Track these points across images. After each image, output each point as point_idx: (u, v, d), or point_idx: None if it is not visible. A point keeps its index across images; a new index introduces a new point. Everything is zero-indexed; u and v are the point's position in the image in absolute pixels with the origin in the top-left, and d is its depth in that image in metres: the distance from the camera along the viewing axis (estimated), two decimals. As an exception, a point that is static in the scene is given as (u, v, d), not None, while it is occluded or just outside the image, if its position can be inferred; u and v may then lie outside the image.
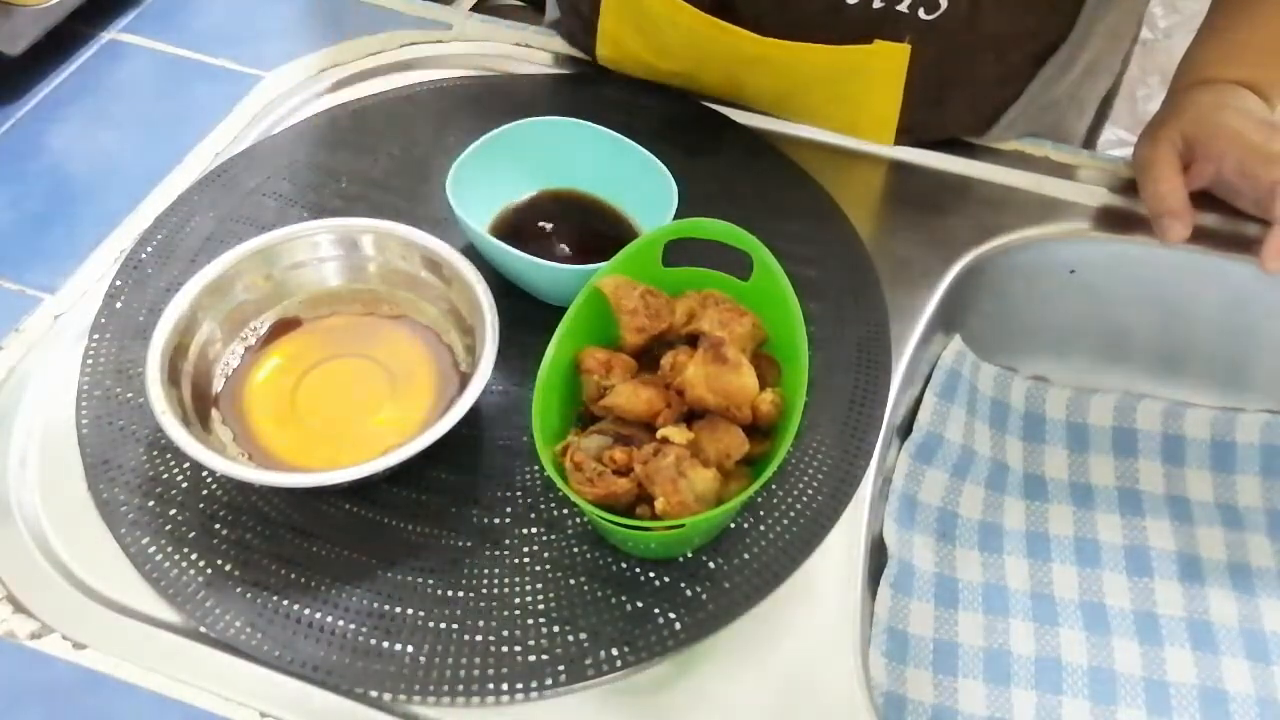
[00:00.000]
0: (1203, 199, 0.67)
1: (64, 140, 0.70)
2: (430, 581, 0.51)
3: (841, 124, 0.71)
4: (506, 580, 0.51)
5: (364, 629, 0.49)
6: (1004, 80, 0.70)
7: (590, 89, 0.75)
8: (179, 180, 0.68)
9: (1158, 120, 0.68)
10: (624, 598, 0.51)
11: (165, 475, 0.54)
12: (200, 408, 0.54)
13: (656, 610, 0.50)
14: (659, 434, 0.49)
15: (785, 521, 0.53)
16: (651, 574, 0.51)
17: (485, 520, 0.53)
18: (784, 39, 0.66)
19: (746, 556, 0.52)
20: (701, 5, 0.66)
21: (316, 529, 0.53)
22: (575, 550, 0.52)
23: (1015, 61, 0.70)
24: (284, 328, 0.58)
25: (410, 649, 0.49)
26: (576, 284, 0.53)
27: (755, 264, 0.53)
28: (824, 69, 0.67)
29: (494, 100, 0.73)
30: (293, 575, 0.51)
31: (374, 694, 0.48)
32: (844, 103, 0.70)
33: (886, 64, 0.66)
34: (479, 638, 0.49)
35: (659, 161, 0.61)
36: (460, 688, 0.48)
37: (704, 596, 0.51)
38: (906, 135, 0.70)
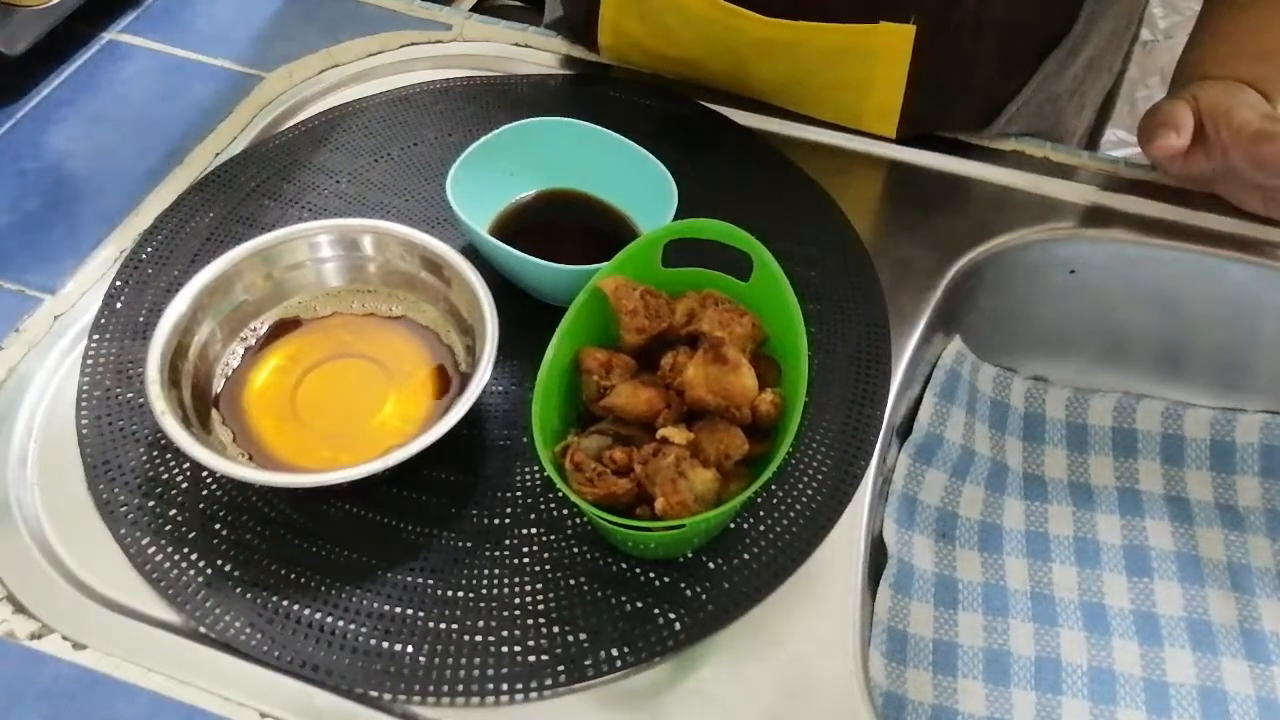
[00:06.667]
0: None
1: (64, 140, 0.70)
2: (430, 581, 0.51)
3: (845, 113, 0.71)
4: (506, 580, 0.51)
5: (364, 629, 0.49)
6: (1006, 72, 0.70)
7: (590, 89, 0.75)
8: (179, 180, 0.68)
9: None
10: (624, 598, 0.51)
11: (165, 475, 0.54)
12: (200, 408, 0.54)
13: (656, 610, 0.50)
14: (659, 434, 0.49)
15: (785, 521, 0.53)
16: (651, 574, 0.51)
17: (485, 520, 0.53)
18: (788, 19, 0.66)
19: (746, 557, 0.52)
20: None
21: (316, 529, 0.53)
22: (575, 550, 0.52)
23: (1018, 53, 0.69)
24: (284, 328, 0.58)
25: (410, 649, 0.49)
26: (576, 284, 0.53)
27: (755, 264, 0.53)
28: (828, 50, 0.67)
29: (494, 100, 0.73)
30: (293, 575, 0.51)
31: (374, 694, 0.48)
32: (848, 89, 0.70)
33: (891, 46, 0.66)
34: (479, 638, 0.49)
35: (659, 161, 0.61)
36: (460, 688, 0.48)
37: (704, 596, 0.51)
38: (909, 127, 0.70)
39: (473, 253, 0.58)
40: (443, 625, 0.50)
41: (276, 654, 0.48)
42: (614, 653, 0.49)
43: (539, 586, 0.51)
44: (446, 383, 0.56)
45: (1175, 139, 0.63)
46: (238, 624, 0.49)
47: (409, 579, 0.51)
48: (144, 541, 0.52)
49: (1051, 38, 0.70)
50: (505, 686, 0.48)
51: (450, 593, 0.51)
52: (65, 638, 0.49)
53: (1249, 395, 0.68)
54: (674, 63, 0.74)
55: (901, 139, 0.71)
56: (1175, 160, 0.64)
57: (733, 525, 0.53)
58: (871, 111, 0.70)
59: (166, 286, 0.61)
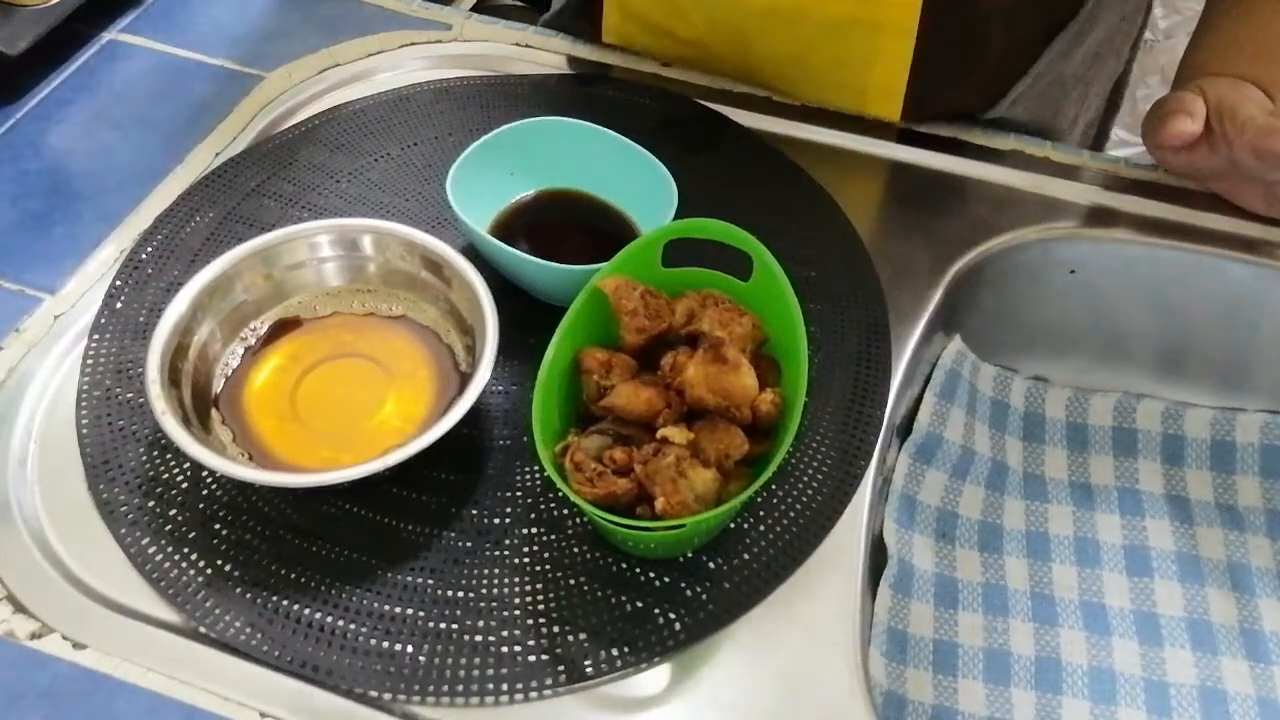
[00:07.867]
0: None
1: (64, 140, 0.70)
2: (430, 581, 0.51)
3: (849, 92, 0.71)
4: (506, 580, 0.51)
5: (364, 629, 0.49)
6: (1013, 52, 0.70)
7: (590, 89, 0.75)
8: (179, 180, 0.68)
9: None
10: (624, 598, 0.51)
11: (165, 475, 0.54)
12: (200, 408, 0.54)
13: (656, 610, 0.50)
14: (659, 434, 0.49)
15: (785, 521, 0.53)
16: (651, 574, 0.51)
17: (485, 520, 0.53)
18: None
19: (746, 557, 0.52)
20: None
21: (316, 529, 0.53)
22: (575, 550, 0.52)
23: (1025, 33, 0.69)
24: (284, 328, 0.58)
25: (410, 649, 0.49)
26: (576, 284, 0.53)
27: (755, 264, 0.53)
28: (832, 21, 0.67)
29: (494, 100, 0.73)
30: (293, 575, 0.51)
31: (374, 694, 0.48)
32: (852, 65, 0.69)
33: (895, 18, 0.66)
34: (479, 638, 0.49)
35: (659, 161, 0.61)
36: (460, 688, 0.48)
37: (704, 596, 0.51)
38: (913, 108, 0.70)
39: (473, 253, 0.58)
40: (443, 625, 0.50)
41: (276, 654, 0.48)
42: (614, 653, 0.49)
43: (539, 586, 0.51)
44: (446, 383, 0.56)
45: (1189, 123, 0.62)
46: (238, 624, 0.49)
47: (409, 579, 0.51)
48: (144, 541, 0.52)
49: (1059, 19, 0.70)
50: (505, 686, 0.48)
51: (450, 593, 0.51)
52: (65, 638, 0.49)
53: (1249, 395, 0.68)
54: (678, 43, 0.74)
55: (905, 121, 0.71)
56: (1182, 150, 0.64)
57: (733, 525, 0.53)
58: (875, 90, 0.70)
59: (166, 286, 0.61)
